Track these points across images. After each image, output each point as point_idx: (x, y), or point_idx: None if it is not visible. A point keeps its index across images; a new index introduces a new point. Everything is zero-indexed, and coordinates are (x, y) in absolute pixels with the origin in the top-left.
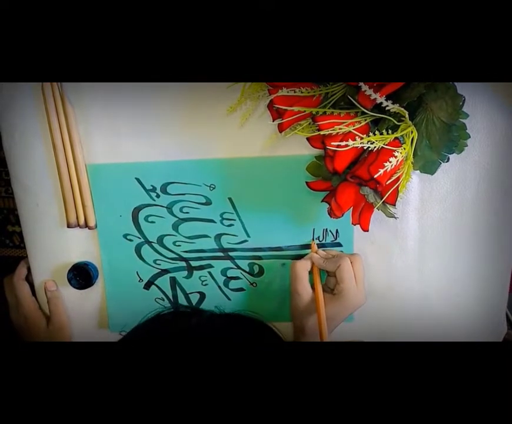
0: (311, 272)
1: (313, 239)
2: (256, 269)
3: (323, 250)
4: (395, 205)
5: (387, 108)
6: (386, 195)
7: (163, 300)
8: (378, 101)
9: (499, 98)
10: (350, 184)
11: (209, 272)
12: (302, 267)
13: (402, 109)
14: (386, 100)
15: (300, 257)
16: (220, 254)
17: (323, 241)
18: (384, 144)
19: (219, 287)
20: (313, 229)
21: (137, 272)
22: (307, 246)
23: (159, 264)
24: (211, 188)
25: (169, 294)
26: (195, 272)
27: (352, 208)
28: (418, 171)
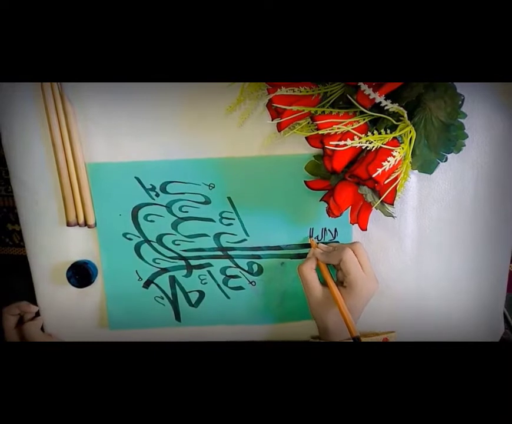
0: (317, 270)
1: (310, 237)
2: (255, 268)
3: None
4: (393, 205)
5: (386, 108)
6: (385, 194)
7: (163, 298)
8: (377, 101)
9: (498, 97)
10: (348, 183)
11: (209, 271)
12: (308, 268)
13: (401, 108)
14: (385, 99)
15: (299, 256)
16: (220, 253)
17: (322, 240)
18: (382, 144)
19: (219, 285)
20: (312, 228)
21: (136, 271)
22: (306, 245)
23: (159, 263)
24: (210, 187)
25: (169, 292)
26: (194, 271)
27: (350, 207)
28: (417, 171)
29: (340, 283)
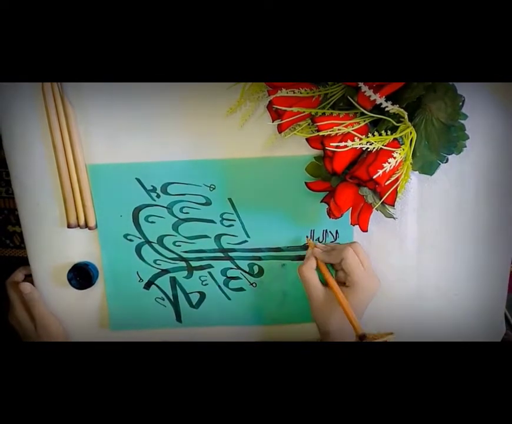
0: (317, 270)
1: (307, 237)
2: (256, 269)
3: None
4: (394, 206)
5: (386, 109)
6: (385, 195)
7: (164, 299)
8: (378, 102)
9: (498, 98)
10: (349, 185)
11: (209, 273)
12: (308, 268)
13: (402, 110)
14: (385, 101)
15: (300, 257)
16: (220, 254)
17: (324, 242)
18: (382, 145)
19: (219, 286)
20: (313, 230)
21: (137, 272)
22: (307, 247)
23: (159, 264)
24: (211, 189)
25: (169, 294)
26: (195, 272)
27: (351, 208)
28: (417, 172)
29: (342, 283)
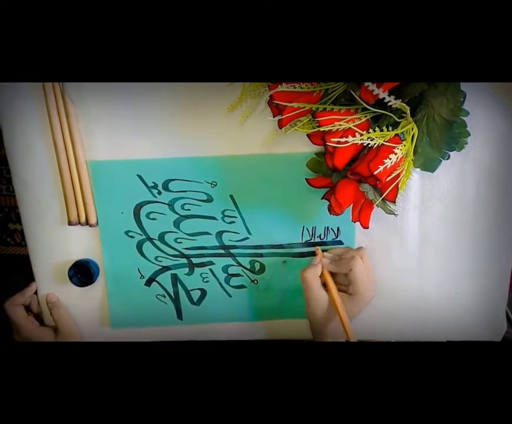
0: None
1: (316, 247)
2: (257, 266)
3: (324, 250)
4: (394, 202)
5: (389, 104)
6: (386, 192)
7: (165, 296)
8: (381, 96)
9: (500, 96)
10: (350, 181)
11: (210, 269)
12: (313, 274)
13: (404, 105)
14: (389, 95)
15: (301, 254)
16: (222, 251)
17: (325, 239)
18: (384, 141)
19: (220, 284)
20: (315, 227)
21: (138, 269)
22: (308, 244)
23: (161, 261)
24: (212, 186)
25: (170, 290)
26: (196, 269)
27: (352, 205)
28: (419, 169)
29: (343, 289)
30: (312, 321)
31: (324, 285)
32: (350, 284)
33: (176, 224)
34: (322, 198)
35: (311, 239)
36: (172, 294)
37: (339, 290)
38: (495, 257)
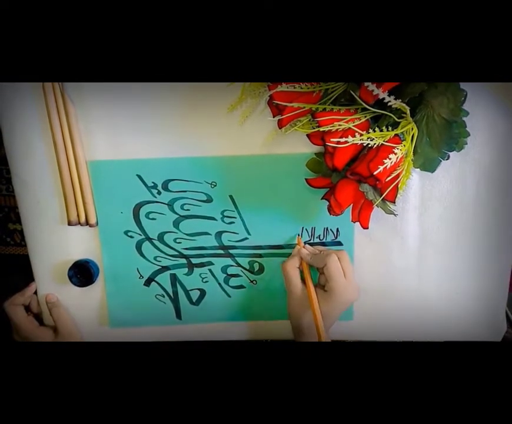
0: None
1: (299, 235)
2: (256, 267)
3: (310, 245)
4: (394, 203)
5: (389, 104)
6: (386, 192)
7: (164, 296)
8: (381, 96)
9: (499, 97)
10: (350, 181)
11: (210, 270)
12: (291, 265)
13: (404, 105)
14: (388, 95)
15: None
16: (221, 251)
17: (324, 240)
18: (383, 141)
19: (220, 284)
20: (314, 227)
21: (137, 269)
22: (308, 244)
23: (160, 261)
24: (212, 186)
25: (170, 290)
26: (195, 269)
27: (351, 205)
28: (418, 169)
29: (321, 287)
30: (290, 314)
31: (303, 280)
32: (327, 282)
33: (176, 224)
34: (321, 198)
35: (310, 240)
36: (171, 294)
37: (318, 288)
38: (495, 257)
